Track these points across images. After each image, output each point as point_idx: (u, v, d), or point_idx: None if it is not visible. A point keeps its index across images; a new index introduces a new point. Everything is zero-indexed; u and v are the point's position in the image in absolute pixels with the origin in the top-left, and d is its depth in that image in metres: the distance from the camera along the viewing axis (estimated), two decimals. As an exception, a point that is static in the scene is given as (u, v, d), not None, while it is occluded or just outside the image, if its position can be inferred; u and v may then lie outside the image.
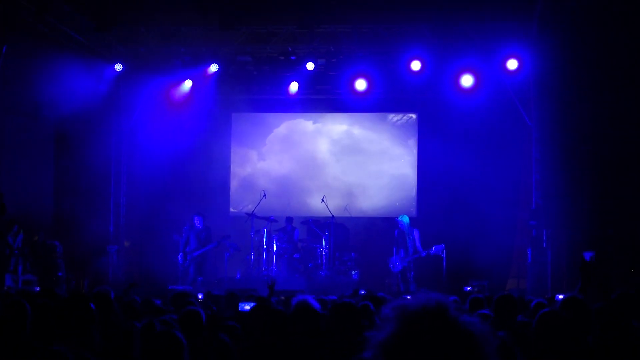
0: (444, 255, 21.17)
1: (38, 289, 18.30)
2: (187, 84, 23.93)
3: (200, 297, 13.66)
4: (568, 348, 6.70)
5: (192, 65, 23.30)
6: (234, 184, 25.79)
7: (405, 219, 21.65)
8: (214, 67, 23.11)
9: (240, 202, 25.45)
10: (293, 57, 22.92)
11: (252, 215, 23.04)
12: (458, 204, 23.41)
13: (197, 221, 22.03)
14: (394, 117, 25.34)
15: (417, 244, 21.37)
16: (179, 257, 21.95)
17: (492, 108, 23.12)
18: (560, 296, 13.03)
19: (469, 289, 20.21)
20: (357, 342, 7.58)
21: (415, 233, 21.48)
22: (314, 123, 25.65)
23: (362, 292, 14.39)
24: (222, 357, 6.92)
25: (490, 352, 2.68)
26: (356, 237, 24.66)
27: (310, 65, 22.78)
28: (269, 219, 23.20)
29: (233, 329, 8.44)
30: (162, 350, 5.43)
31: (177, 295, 11.37)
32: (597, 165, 20.21)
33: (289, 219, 23.43)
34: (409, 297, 2.88)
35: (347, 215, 24.14)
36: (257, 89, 24.53)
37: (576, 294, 7.94)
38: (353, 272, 22.82)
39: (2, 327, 6.94)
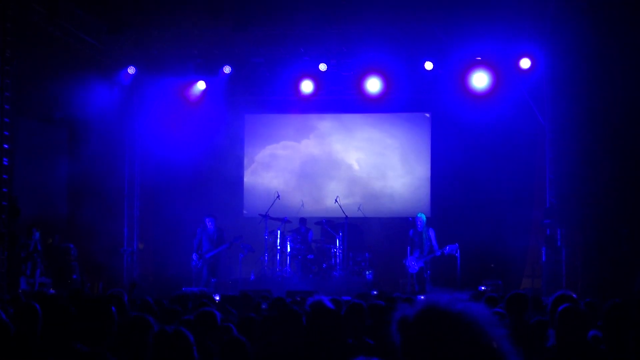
0: (458, 254, 21.13)
1: (53, 291, 18.38)
2: (200, 86, 23.99)
3: (217, 298, 13.69)
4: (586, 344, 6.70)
5: (205, 67, 23.35)
6: (247, 185, 25.80)
7: (424, 217, 21.61)
8: (226, 69, 23.15)
9: (254, 204, 25.44)
10: (306, 58, 22.94)
11: (265, 217, 23.04)
12: (472, 203, 23.40)
13: (208, 223, 22.04)
14: (407, 117, 25.31)
15: (434, 242, 21.34)
16: (193, 257, 21.97)
17: (505, 107, 23.07)
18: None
19: (483, 288, 20.20)
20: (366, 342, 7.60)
21: (431, 232, 21.45)
22: (326, 124, 25.63)
23: (374, 293, 14.40)
24: (238, 357, 6.93)
25: (495, 333, 2.70)
26: (370, 237, 24.62)
27: (322, 66, 22.81)
28: (283, 220, 23.22)
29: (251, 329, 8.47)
30: (173, 351, 5.46)
31: (180, 297, 11.39)
32: (611, 163, 20.15)
33: (302, 220, 23.44)
34: (422, 298, 2.89)
35: (361, 215, 24.10)
36: (270, 90, 24.52)
37: (567, 291, 7.95)
38: (367, 273, 22.78)
39: (15, 330, 6.98)
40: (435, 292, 2.84)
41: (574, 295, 7.34)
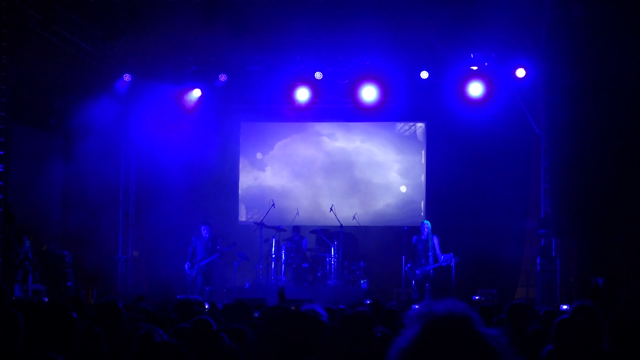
0: (453, 264, 21.10)
1: (46, 299, 18.33)
2: (196, 93, 23.97)
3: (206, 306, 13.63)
4: (586, 356, 6.67)
5: (201, 75, 23.36)
6: (242, 193, 25.78)
7: (429, 224, 21.52)
8: (222, 77, 23.14)
9: (249, 212, 25.44)
10: (302, 66, 22.96)
11: (260, 225, 23.04)
12: (467, 212, 23.42)
13: (204, 230, 22.00)
14: (402, 126, 25.31)
15: (438, 251, 21.18)
16: (186, 266, 21.92)
17: (500, 117, 23.12)
18: (565, 306, 12.96)
19: (477, 297, 20.16)
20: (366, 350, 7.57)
21: (435, 240, 21.29)
22: (322, 132, 25.62)
23: (367, 302, 14.36)
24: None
25: None
26: (365, 246, 24.63)
27: (318, 75, 22.83)
28: (278, 228, 23.23)
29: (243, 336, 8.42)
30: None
31: (182, 304, 11.33)
32: (606, 173, 20.15)
33: (296, 228, 23.45)
34: (416, 307, 2.85)
35: (356, 224, 24.10)
36: (266, 98, 24.54)
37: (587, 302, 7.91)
38: (362, 282, 22.79)
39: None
40: (435, 300, 2.82)
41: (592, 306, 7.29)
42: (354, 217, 24.13)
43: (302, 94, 23.63)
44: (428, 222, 21.73)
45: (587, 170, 20.20)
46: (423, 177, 25.01)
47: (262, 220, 23.14)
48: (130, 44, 22.89)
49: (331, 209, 23.40)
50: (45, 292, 19.85)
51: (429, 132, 25.03)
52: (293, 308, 12.35)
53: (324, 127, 25.66)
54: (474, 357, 2.62)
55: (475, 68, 22.49)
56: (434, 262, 21.14)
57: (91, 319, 8.98)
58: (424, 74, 22.42)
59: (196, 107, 24.17)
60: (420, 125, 25.21)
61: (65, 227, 23.00)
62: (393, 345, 2.73)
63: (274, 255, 22.91)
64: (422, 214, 24.67)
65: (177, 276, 22.32)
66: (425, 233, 21.33)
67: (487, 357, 2.64)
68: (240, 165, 25.85)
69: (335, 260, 22.84)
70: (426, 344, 2.65)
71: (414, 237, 21.52)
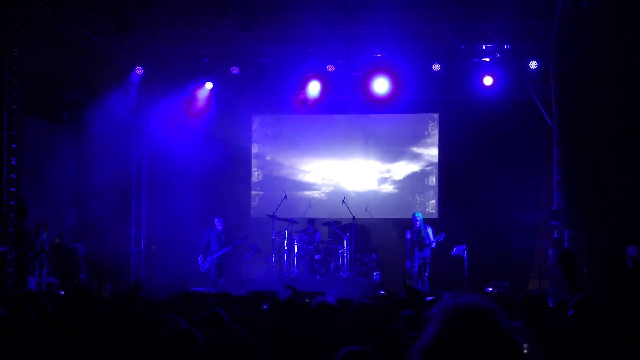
0: (465, 256, 21.10)
1: (62, 292, 18.41)
2: (208, 86, 24.00)
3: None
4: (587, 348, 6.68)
5: (212, 67, 23.37)
6: (255, 185, 25.79)
7: (421, 216, 21.63)
8: (233, 69, 23.15)
9: (261, 204, 25.44)
10: (313, 59, 22.93)
11: (273, 217, 23.03)
12: (479, 204, 23.38)
13: (217, 223, 22.05)
14: (415, 118, 25.26)
15: (432, 240, 21.26)
16: (199, 259, 21.98)
17: (513, 108, 23.13)
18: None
19: (490, 290, 20.15)
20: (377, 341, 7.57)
21: (429, 229, 21.42)
22: (334, 124, 25.59)
23: (382, 293, 14.35)
24: (244, 355, 6.91)
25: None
26: (377, 238, 24.60)
27: (330, 67, 22.79)
28: (290, 221, 23.21)
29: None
30: (182, 349, 5.46)
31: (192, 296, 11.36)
32: (619, 164, 20.08)
33: (311, 221, 23.44)
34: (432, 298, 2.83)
35: (368, 216, 24.10)
36: (278, 91, 24.52)
37: (587, 293, 7.91)
38: (374, 274, 22.76)
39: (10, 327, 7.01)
40: (439, 294, 2.78)
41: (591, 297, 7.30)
42: (366, 209, 24.12)
43: (314, 87, 23.62)
44: (419, 214, 21.81)
45: (599, 162, 20.14)
46: (435, 169, 24.97)
47: (274, 213, 23.13)
48: (142, 37, 22.91)
49: (343, 201, 23.35)
50: (58, 285, 19.93)
51: (441, 123, 24.97)
52: (307, 300, 12.37)
53: (336, 119, 25.63)
54: (498, 351, 2.58)
55: (487, 60, 22.45)
56: (425, 247, 21.22)
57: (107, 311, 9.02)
58: (436, 66, 22.37)
59: (208, 99, 24.21)
60: (432, 117, 25.16)
61: (78, 220, 23.06)
62: (416, 343, 2.67)
63: (286, 248, 22.91)
64: (434, 205, 24.66)
65: (190, 268, 22.39)
66: (417, 225, 21.42)
67: (512, 351, 2.59)
68: (252, 157, 25.87)
69: (347, 252, 22.82)
70: (448, 338, 2.58)
71: (408, 232, 21.61)
